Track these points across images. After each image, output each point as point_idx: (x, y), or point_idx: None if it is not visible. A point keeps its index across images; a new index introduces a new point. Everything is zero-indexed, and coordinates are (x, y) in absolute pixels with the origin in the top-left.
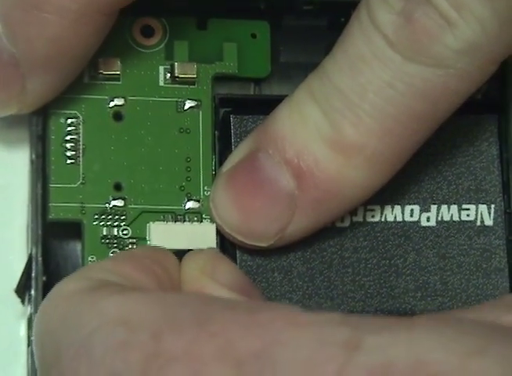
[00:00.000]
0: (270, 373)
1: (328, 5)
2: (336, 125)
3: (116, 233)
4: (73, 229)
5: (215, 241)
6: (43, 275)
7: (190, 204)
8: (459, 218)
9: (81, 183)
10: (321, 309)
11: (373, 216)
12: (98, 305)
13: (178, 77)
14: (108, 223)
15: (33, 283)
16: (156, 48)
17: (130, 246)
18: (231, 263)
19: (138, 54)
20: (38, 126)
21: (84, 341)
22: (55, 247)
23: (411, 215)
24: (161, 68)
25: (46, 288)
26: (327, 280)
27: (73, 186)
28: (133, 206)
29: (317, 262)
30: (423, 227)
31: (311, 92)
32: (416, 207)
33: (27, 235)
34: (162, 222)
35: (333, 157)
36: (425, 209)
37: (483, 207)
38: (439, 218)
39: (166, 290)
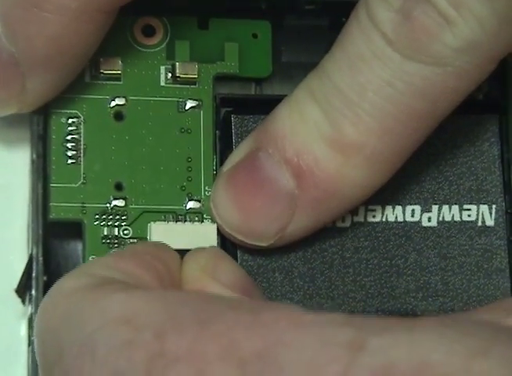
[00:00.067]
0: (274, 373)
1: (329, 5)
2: (336, 124)
3: (117, 233)
4: (74, 229)
5: (216, 241)
6: (44, 275)
7: (191, 204)
8: (461, 218)
9: (82, 183)
10: (322, 309)
11: (374, 216)
12: (100, 302)
13: (179, 76)
14: (109, 223)
15: (33, 283)
16: (158, 48)
17: None
18: (233, 262)
19: (139, 54)
20: (39, 126)
21: (87, 340)
22: (55, 247)
23: (412, 216)
24: (162, 68)
25: (47, 288)
26: (328, 280)
27: (74, 185)
28: (134, 206)
29: (318, 262)
30: (424, 227)
31: (311, 92)
32: (418, 208)
33: (28, 235)
34: (163, 222)
35: (333, 156)
36: (426, 209)
37: (484, 208)
38: (440, 219)
39: (167, 286)
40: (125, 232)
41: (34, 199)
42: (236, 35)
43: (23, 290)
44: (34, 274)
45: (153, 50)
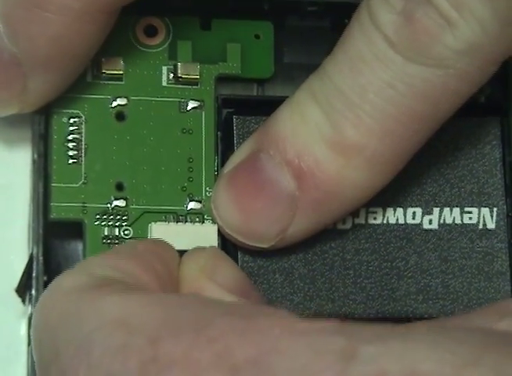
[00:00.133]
0: None
1: (332, 7)
2: (336, 126)
3: (117, 234)
4: (74, 229)
5: (217, 242)
6: (44, 274)
7: (192, 205)
8: (462, 221)
9: (83, 183)
10: (322, 311)
11: (374, 218)
12: (98, 304)
13: (181, 77)
14: (109, 223)
15: (34, 282)
16: (160, 48)
17: None
18: (232, 263)
19: (141, 54)
20: (40, 125)
21: (84, 341)
22: (56, 246)
23: (413, 218)
24: (164, 68)
25: None
26: (328, 282)
27: (74, 185)
28: (135, 206)
29: (318, 264)
30: (425, 230)
31: (312, 93)
32: (419, 210)
33: (29, 234)
34: (164, 223)
35: (334, 157)
36: (427, 212)
37: (485, 211)
38: (441, 221)
39: (165, 285)
40: (126, 232)
41: (34, 199)
42: (238, 36)
43: (23, 289)
44: (34, 274)
45: (155, 50)
